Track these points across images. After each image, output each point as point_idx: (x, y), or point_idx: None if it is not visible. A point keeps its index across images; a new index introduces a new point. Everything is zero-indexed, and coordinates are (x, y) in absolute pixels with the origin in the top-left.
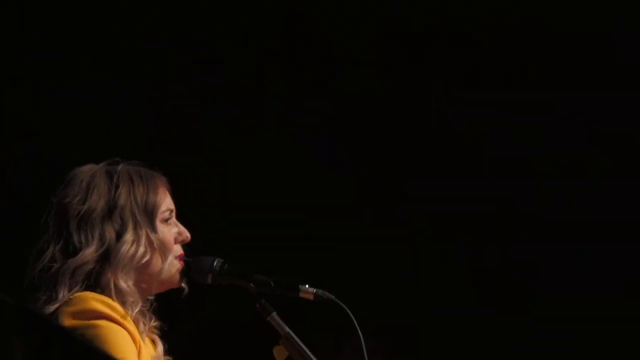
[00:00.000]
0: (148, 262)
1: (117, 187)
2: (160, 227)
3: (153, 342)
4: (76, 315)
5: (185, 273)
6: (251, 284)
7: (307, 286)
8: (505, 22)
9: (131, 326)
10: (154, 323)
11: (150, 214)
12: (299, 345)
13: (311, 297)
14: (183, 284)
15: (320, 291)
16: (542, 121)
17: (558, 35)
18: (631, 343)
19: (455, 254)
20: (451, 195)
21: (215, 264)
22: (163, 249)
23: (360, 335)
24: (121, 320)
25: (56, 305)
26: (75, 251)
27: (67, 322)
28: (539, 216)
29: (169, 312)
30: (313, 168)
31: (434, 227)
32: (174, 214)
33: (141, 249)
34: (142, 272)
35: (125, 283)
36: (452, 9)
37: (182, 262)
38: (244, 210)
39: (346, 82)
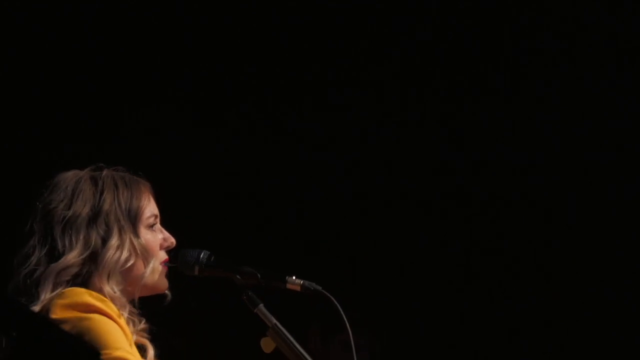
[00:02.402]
0: (131, 267)
1: (101, 192)
2: (143, 232)
3: (142, 347)
4: (69, 307)
5: (170, 274)
6: (237, 276)
7: (294, 277)
8: None
9: (124, 324)
10: (142, 326)
11: (133, 219)
12: (287, 336)
13: (298, 288)
14: (166, 292)
15: (307, 282)
16: None
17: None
18: None
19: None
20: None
21: (201, 256)
22: (145, 255)
23: (348, 325)
24: (114, 316)
25: (39, 306)
26: (60, 256)
27: (59, 313)
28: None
29: (155, 306)
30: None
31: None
32: (158, 219)
33: (125, 254)
34: (126, 276)
35: (113, 290)
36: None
37: (166, 267)
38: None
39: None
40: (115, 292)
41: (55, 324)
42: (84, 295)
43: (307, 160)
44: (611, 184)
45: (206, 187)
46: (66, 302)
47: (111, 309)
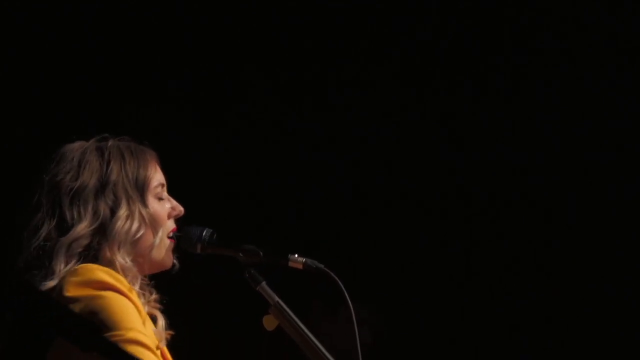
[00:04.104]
0: (141, 237)
1: (108, 163)
2: (151, 202)
3: (153, 317)
4: (82, 285)
5: (175, 249)
6: (240, 254)
7: (296, 255)
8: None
9: (136, 298)
10: (154, 297)
11: (141, 189)
12: (289, 314)
13: (300, 266)
14: (174, 261)
15: (309, 260)
16: None
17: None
18: None
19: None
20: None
21: (204, 233)
22: (154, 224)
23: (350, 303)
24: (127, 292)
25: (56, 280)
26: (69, 228)
27: (73, 292)
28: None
29: (159, 283)
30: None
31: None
32: (165, 188)
33: (135, 224)
34: (135, 247)
35: (124, 259)
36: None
37: (172, 240)
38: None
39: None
40: (127, 263)
41: (63, 302)
42: (97, 272)
43: (307, 160)
44: (611, 184)
45: (206, 187)
46: (79, 280)
47: (123, 284)
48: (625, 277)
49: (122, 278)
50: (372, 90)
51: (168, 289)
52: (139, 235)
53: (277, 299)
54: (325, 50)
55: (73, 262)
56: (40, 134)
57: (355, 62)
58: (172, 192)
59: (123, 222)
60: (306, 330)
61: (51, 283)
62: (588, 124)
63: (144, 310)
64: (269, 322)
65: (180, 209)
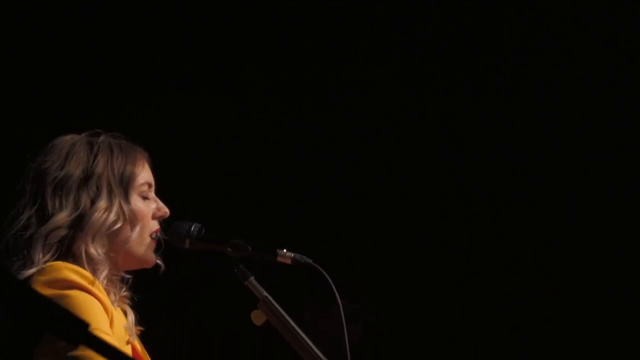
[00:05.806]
0: (118, 231)
1: (95, 156)
2: (135, 199)
3: (124, 312)
4: (49, 284)
5: (158, 249)
6: (229, 249)
7: (284, 250)
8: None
9: (103, 295)
10: (124, 293)
11: (125, 185)
12: (277, 309)
13: (289, 261)
14: (159, 262)
15: (298, 255)
16: None
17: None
18: None
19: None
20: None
21: (192, 228)
22: (133, 220)
23: (338, 298)
24: (93, 290)
25: (33, 270)
26: (49, 217)
27: (40, 290)
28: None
29: (145, 277)
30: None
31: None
32: (152, 188)
33: (112, 217)
34: (112, 240)
35: (96, 250)
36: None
37: (154, 241)
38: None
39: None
40: (99, 255)
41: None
42: (64, 271)
43: (307, 160)
44: (611, 184)
45: (206, 187)
46: (46, 279)
47: (90, 281)
48: (625, 277)
49: (89, 275)
50: (372, 90)
51: (160, 284)
52: (115, 227)
53: (265, 293)
54: (325, 50)
55: (50, 252)
56: (40, 134)
57: (355, 62)
58: (171, 191)
59: (100, 213)
60: (294, 325)
61: (30, 272)
62: (588, 124)
63: (114, 306)
64: (257, 317)
65: (165, 211)
